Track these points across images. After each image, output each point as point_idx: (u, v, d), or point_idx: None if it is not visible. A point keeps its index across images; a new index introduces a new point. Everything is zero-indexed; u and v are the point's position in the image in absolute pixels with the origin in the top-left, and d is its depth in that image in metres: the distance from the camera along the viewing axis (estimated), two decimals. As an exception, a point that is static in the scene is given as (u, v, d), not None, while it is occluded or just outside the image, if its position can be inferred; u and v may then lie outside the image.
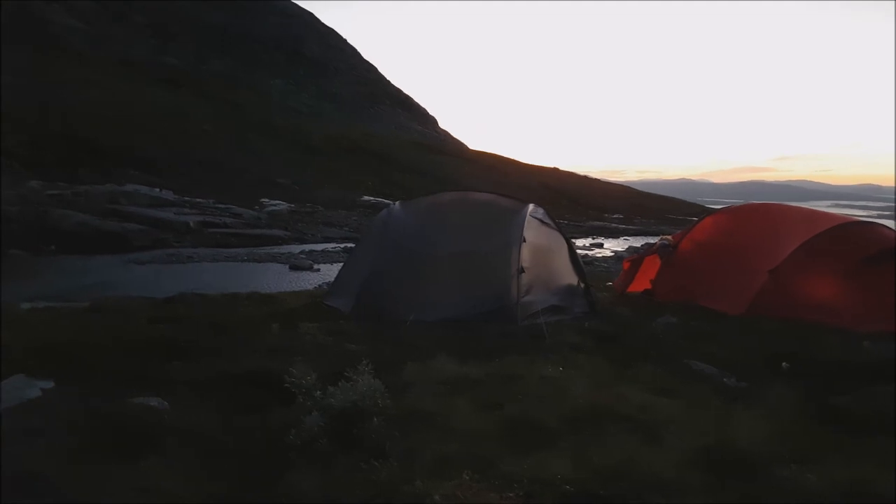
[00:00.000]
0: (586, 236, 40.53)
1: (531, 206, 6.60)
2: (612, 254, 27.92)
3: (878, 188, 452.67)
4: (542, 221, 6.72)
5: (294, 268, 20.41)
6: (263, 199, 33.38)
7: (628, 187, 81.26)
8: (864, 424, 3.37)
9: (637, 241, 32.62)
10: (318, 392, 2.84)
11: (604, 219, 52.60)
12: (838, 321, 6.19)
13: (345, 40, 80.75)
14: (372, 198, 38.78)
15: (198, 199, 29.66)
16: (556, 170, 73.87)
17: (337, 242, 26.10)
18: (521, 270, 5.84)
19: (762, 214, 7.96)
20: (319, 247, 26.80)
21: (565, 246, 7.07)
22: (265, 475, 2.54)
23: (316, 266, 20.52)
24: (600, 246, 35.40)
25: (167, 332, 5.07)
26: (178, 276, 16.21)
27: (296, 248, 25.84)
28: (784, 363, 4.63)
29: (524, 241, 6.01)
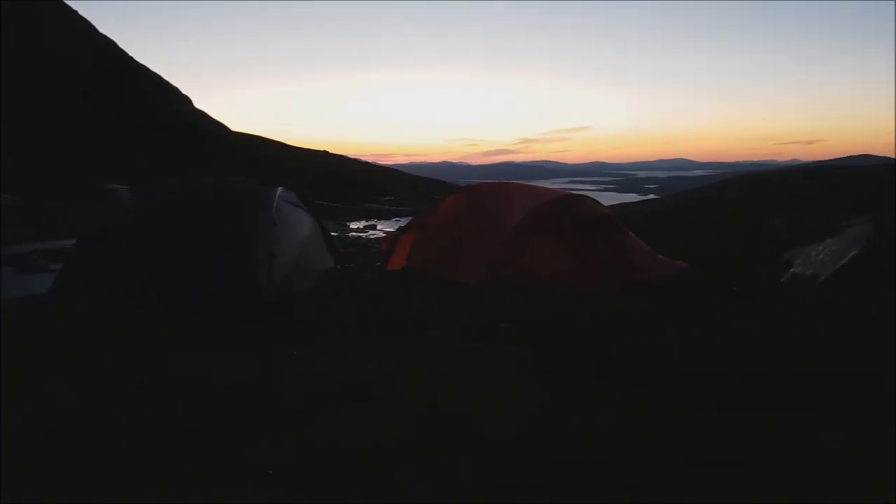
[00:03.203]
0: (360, 219, 41.07)
1: (280, 190, 6.51)
2: (385, 234, 28.75)
3: (605, 165, 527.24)
4: (293, 205, 6.68)
5: (23, 270, 17.71)
6: (-24, 192, 28.15)
7: (398, 170, 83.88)
8: (566, 375, 3.96)
9: (408, 221, 34.12)
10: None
11: (376, 201, 53.65)
12: (560, 283, 7.18)
13: (75, 12, 70.36)
14: (119, 186, 34.81)
15: None
16: (325, 153, 73.17)
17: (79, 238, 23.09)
18: (272, 256, 5.75)
19: (495, 192, 8.86)
20: (58, 244, 23.56)
21: (319, 229, 7.13)
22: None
23: (52, 266, 18.05)
24: (374, 227, 36.21)
25: None
26: None
27: (28, 248, 22.36)
28: (502, 324, 5.26)
29: (274, 225, 5.92)
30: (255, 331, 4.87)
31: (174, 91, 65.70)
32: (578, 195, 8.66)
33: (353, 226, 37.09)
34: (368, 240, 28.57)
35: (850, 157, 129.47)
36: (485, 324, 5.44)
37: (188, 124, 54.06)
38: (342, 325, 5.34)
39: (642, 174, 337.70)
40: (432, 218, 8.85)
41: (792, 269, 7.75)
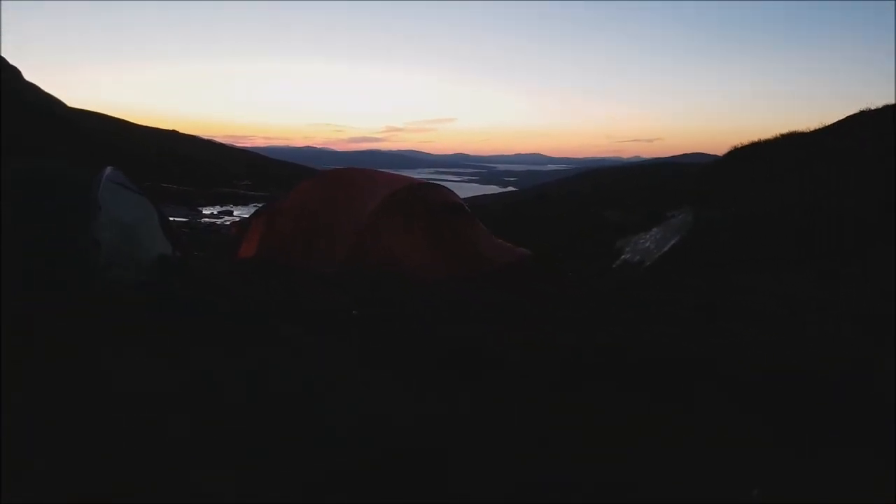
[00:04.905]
0: (215, 204, 38.90)
1: (109, 170, 5.94)
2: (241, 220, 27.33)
3: (468, 157, 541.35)
4: (124, 186, 6.14)
5: None
6: None
7: (256, 153, 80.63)
8: (415, 361, 3.97)
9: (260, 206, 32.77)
10: None
11: (232, 185, 51.18)
12: (413, 271, 7.25)
13: None
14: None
15: None
16: (175, 133, 68.54)
17: None
18: (97, 243, 5.27)
19: (349, 179, 8.72)
20: None
21: (155, 213, 6.62)
22: None
23: None
24: (230, 213, 34.40)
25: None
26: None
27: None
28: (354, 311, 5.24)
29: (99, 209, 5.42)
30: (79, 324, 4.44)
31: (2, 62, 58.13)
32: (432, 183, 8.74)
33: (206, 211, 35.04)
34: (222, 226, 27.18)
35: (685, 154, 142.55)
36: (337, 313, 5.35)
37: (12, 96, 47.97)
38: (175, 319, 5.01)
39: (502, 167, 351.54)
40: (286, 203, 8.56)
41: (623, 256, 8.45)
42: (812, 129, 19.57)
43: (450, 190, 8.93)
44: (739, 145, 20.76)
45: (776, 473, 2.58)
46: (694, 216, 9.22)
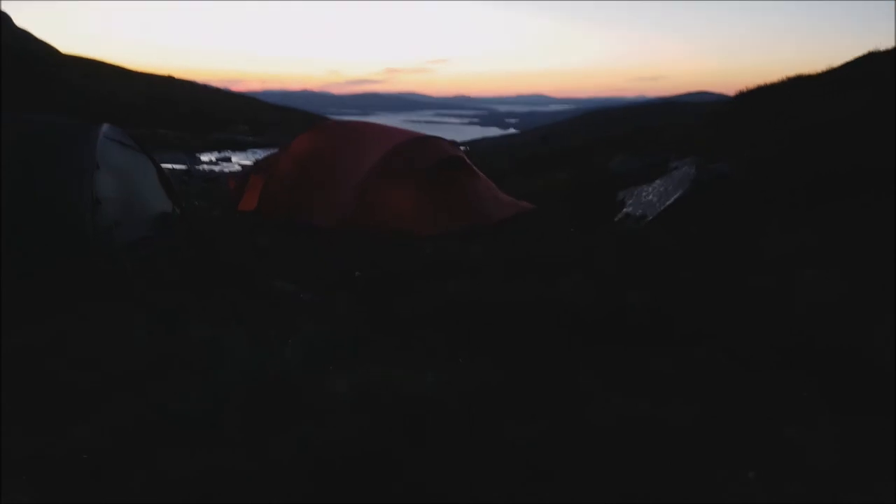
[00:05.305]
0: (212, 151, 38.40)
1: (106, 127, 5.87)
2: (241, 168, 27.09)
3: (469, 99, 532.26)
4: (122, 143, 6.07)
5: None
6: None
7: (253, 98, 79.20)
8: (413, 324, 3.98)
9: (260, 158, 32.43)
10: None
11: (229, 131, 50.38)
12: (412, 227, 7.20)
13: None
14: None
15: None
16: (171, 78, 67.16)
17: None
18: (97, 202, 5.25)
19: (348, 132, 8.58)
20: None
21: (153, 169, 6.56)
22: None
23: None
24: (228, 160, 33.96)
25: None
26: None
27: None
28: (357, 272, 5.23)
29: (98, 167, 5.38)
30: (81, 285, 4.45)
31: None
32: (431, 137, 8.57)
33: (205, 158, 34.60)
34: (221, 173, 26.84)
35: (689, 93, 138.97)
36: (337, 272, 5.34)
37: (6, 45, 46.75)
38: (173, 279, 5.02)
39: (503, 108, 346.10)
40: (284, 157, 8.46)
41: (625, 209, 8.37)
42: (819, 71, 19.07)
43: (449, 142, 8.80)
44: (745, 89, 20.36)
45: (774, 453, 2.56)
46: (697, 167, 9.08)
